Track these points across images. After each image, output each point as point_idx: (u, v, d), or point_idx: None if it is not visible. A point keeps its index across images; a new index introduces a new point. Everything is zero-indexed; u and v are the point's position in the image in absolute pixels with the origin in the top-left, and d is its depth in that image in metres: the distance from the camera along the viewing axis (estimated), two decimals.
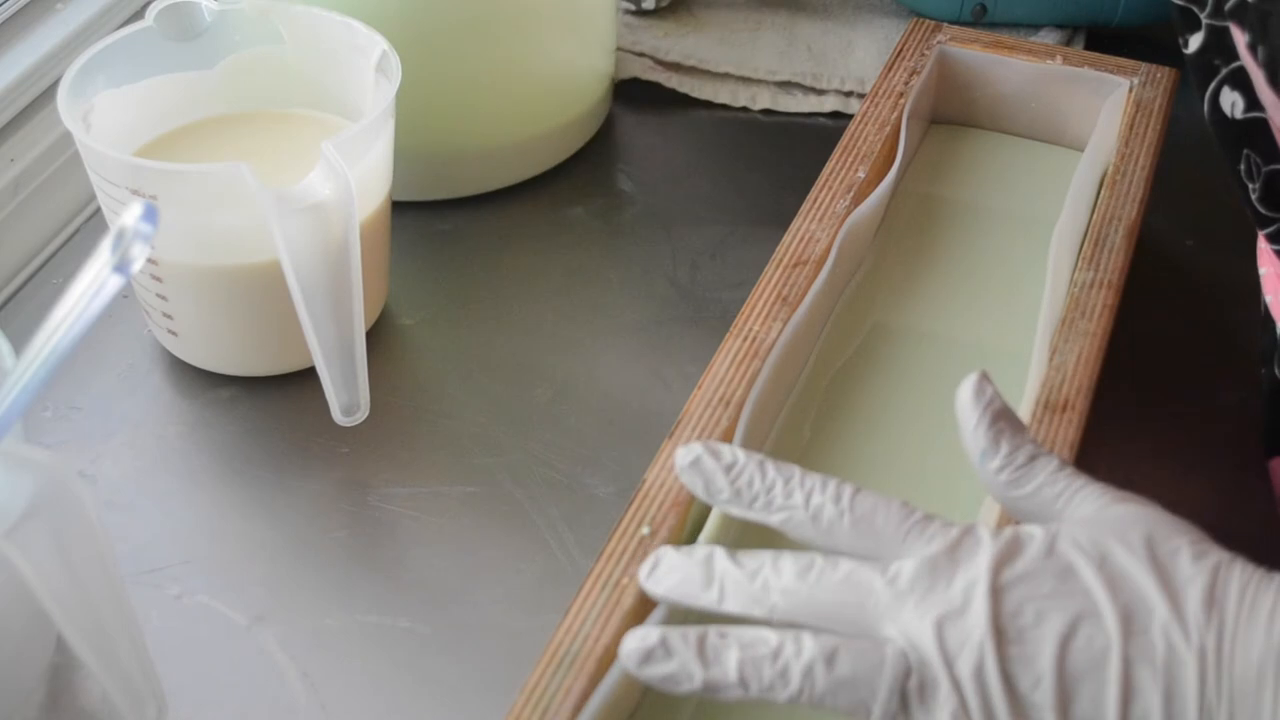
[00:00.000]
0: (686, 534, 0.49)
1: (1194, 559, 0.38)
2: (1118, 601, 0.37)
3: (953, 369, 0.59)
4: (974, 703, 0.36)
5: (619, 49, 0.80)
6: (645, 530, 0.47)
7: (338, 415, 0.57)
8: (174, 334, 0.62)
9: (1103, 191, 0.62)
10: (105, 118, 0.61)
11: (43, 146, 0.69)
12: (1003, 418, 0.42)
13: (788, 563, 0.40)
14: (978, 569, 0.38)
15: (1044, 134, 0.70)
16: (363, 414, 0.58)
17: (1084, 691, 0.36)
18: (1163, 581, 0.37)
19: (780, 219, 0.61)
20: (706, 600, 0.41)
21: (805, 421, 0.58)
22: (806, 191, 0.62)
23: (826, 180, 0.62)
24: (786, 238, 0.59)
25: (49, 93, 0.70)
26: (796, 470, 0.42)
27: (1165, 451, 0.61)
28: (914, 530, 0.40)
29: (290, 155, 0.63)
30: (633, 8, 0.84)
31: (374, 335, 0.64)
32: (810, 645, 0.38)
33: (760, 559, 0.41)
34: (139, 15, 0.64)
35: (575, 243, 0.71)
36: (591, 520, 0.57)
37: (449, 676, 0.52)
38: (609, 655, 0.44)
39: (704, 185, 0.75)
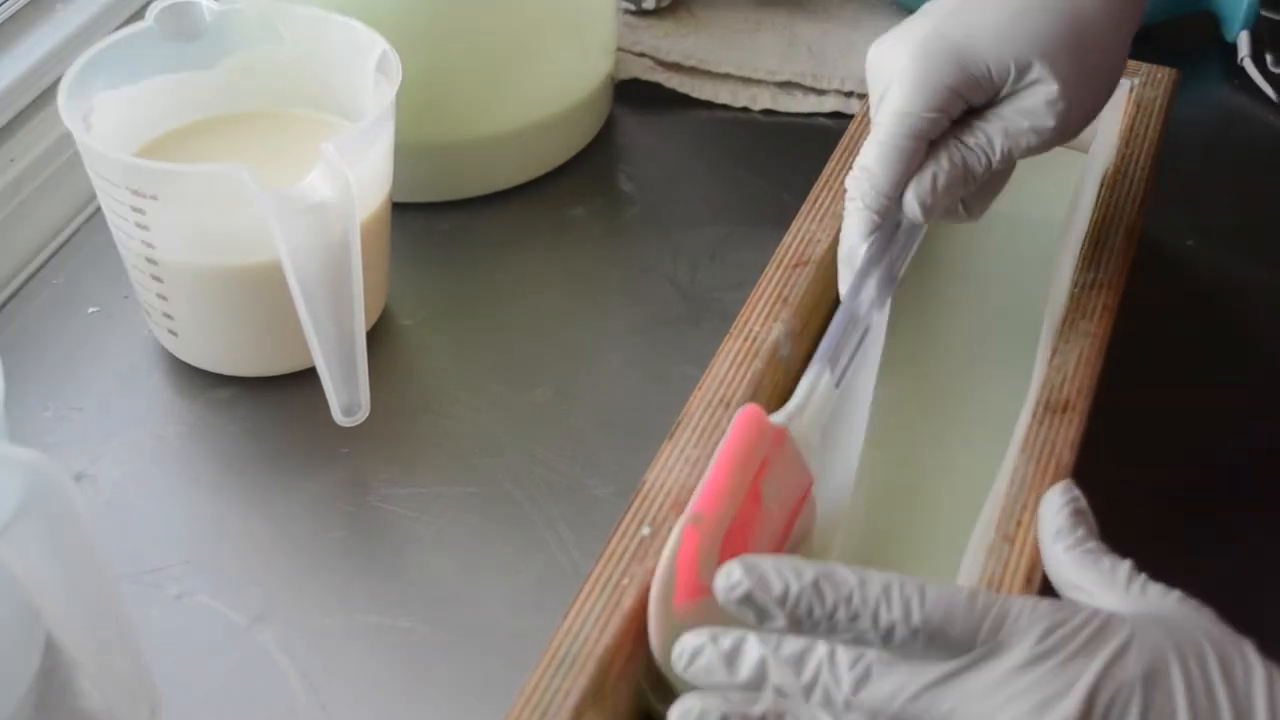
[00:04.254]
0: None
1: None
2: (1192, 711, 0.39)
3: (953, 368, 0.59)
4: None
5: (619, 49, 0.80)
6: (645, 531, 0.47)
7: (338, 415, 0.57)
8: (174, 334, 0.62)
9: (1103, 191, 0.62)
10: (105, 118, 0.61)
11: (43, 146, 0.69)
12: (1085, 515, 0.45)
13: (844, 672, 0.40)
14: (1042, 669, 0.39)
15: None
16: (363, 414, 0.58)
17: None
18: (1231, 696, 0.39)
19: (780, 219, 0.61)
20: (760, 707, 0.40)
21: None
22: (806, 191, 0.62)
23: (826, 180, 0.62)
24: (787, 238, 0.59)
25: (49, 93, 0.70)
26: (853, 581, 0.40)
27: (1165, 451, 0.61)
28: (984, 633, 0.40)
29: (290, 155, 0.63)
30: (633, 8, 0.84)
31: (374, 335, 0.64)
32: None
33: (813, 665, 0.40)
34: (139, 15, 0.64)
35: (575, 243, 0.71)
36: (591, 521, 0.57)
37: (449, 677, 0.52)
38: (609, 656, 0.44)
39: (704, 185, 0.75)
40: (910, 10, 0.84)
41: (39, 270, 0.69)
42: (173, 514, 0.58)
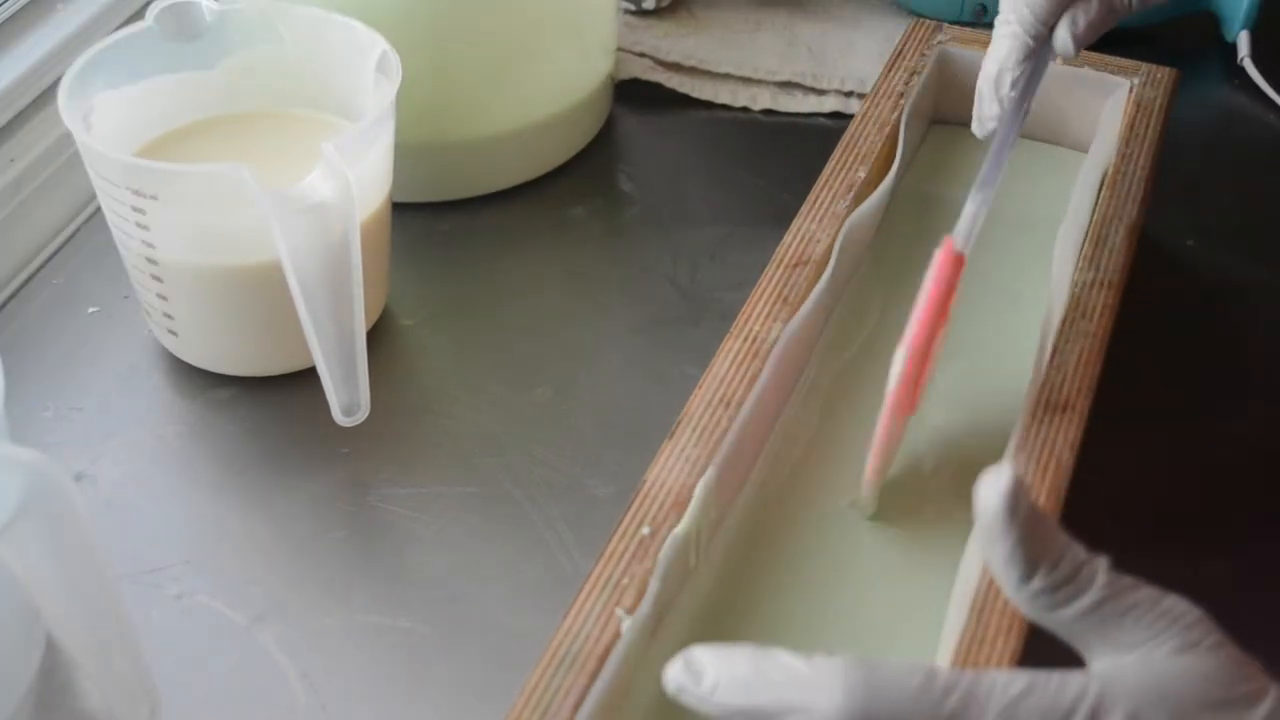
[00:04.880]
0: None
1: None
2: None
3: (953, 368, 0.59)
4: None
5: (619, 49, 0.80)
6: (645, 531, 0.47)
7: (338, 415, 0.57)
8: (174, 334, 0.62)
9: (1103, 191, 0.62)
10: (105, 118, 0.61)
11: (43, 146, 0.69)
12: (1039, 530, 0.36)
13: None
14: None
15: (1044, 134, 0.70)
16: (363, 414, 0.58)
17: None
18: None
19: (780, 219, 0.61)
20: None
21: (806, 422, 0.58)
22: (806, 191, 0.62)
23: (826, 180, 0.62)
24: (787, 238, 0.59)
25: (49, 93, 0.70)
26: (785, 669, 0.36)
27: (1165, 451, 0.61)
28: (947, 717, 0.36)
29: (290, 155, 0.63)
30: (633, 8, 0.84)
31: (374, 335, 0.64)
32: None
33: None
34: (139, 15, 0.64)
35: (575, 243, 0.71)
36: (591, 520, 0.57)
37: (449, 677, 0.52)
38: (609, 655, 0.44)
39: (704, 185, 0.75)
40: (910, 10, 0.84)
41: (39, 270, 0.69)
42: (173, 514, 0.58)
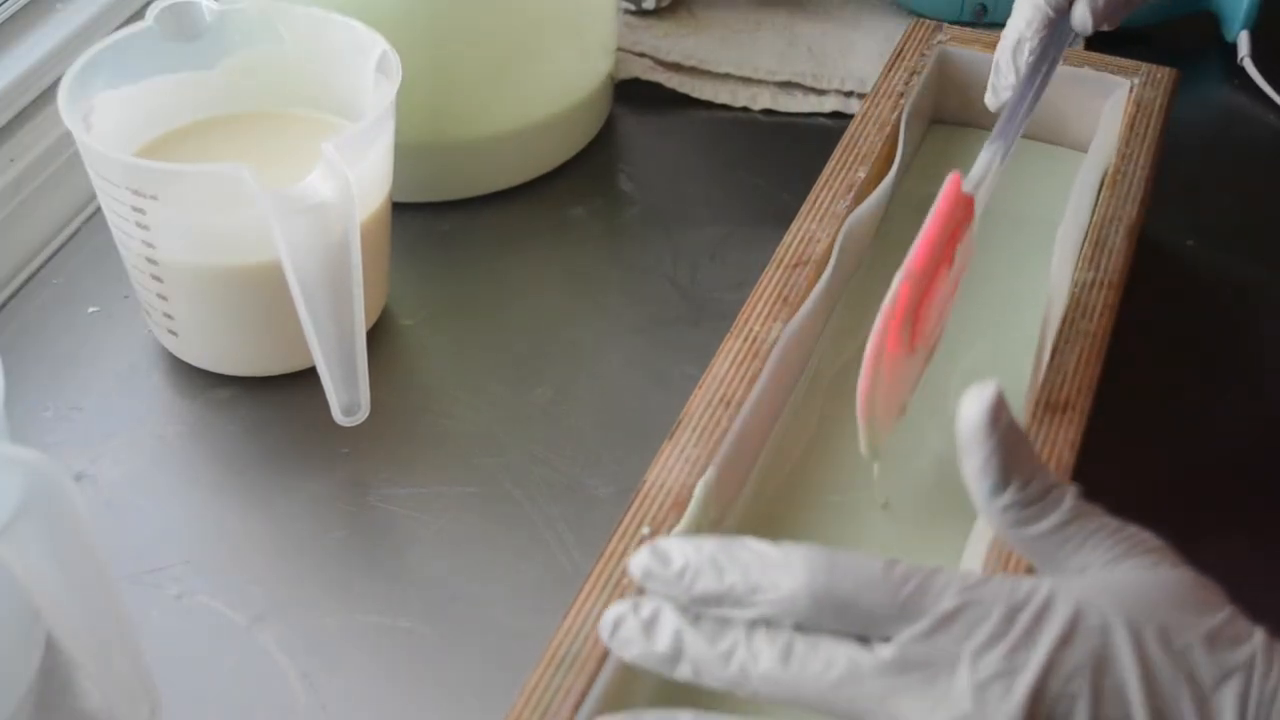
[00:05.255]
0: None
1: (1213, 661, 0.36)
2: (1150, 701, 0.35)
3: (953, 368, 0.59)
4: None
5: (619, 49, 0.80)
6: (645, 530, 0.47)
7: (338, 415, 0.57)
8: (174, 334, 0.62)
9: (1103, 191, 0.62)
10: (105, 118, 0.61)
11: (43, 146, 0.69)
12: (1015, 446, 0.38)
13: (763, 646, 0.37)
14: (988, 661, 0.36)
15: (1044, 134, 0.70)
16: (363, 414, 0.58)
17: None
18: (1194, 694, 0.35)
19: (780, 219, 0.61)
20: (680, 675, 0.39)
21: (806, 422, 0.58)
22: (806, 191, 0.62)
23: (826, 180, 0.62)
24: (787, 238, 0.59)
25: (49, 93, 0.70)
26: (755, 549, 0.38)
27: (1165, 451, 0.61)
28: (903, 605, 0.37)
29: (290, 155, 0.63)
30: (633, 8, 0.84)
31: (374, 335, 0.64)
32: None
33: (731, 637, 0.38)
34: (139, 15, 0.64)
35: (576, 243, 0.71)
36: (591, 520, 0.57)
37: (449, 677, 0.52)
38: (609, 655, 0.44)
39: (704, 185, 0.75)
40: (910, 10, 0.84)
41: (39, 270, 0.69)
42: (173, 514, 0.58)
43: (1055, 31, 0.57)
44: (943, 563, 0.51)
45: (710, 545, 0.39)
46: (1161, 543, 0.38)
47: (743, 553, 0.38)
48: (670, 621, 0.39)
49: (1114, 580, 0.37)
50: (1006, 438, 0.38)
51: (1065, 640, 0.36)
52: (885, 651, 0.37)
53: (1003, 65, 0.57)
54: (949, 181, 0.49)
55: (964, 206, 0.50)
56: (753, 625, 0.38)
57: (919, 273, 0.48)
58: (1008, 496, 0.38)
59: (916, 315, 0.49)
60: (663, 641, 0.39)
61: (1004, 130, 0.54)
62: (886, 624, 0.37)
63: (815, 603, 0.37)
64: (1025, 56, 0.56)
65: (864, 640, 0.37)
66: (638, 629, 0.39)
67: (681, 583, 0.38)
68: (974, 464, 0.38)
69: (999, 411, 0.38)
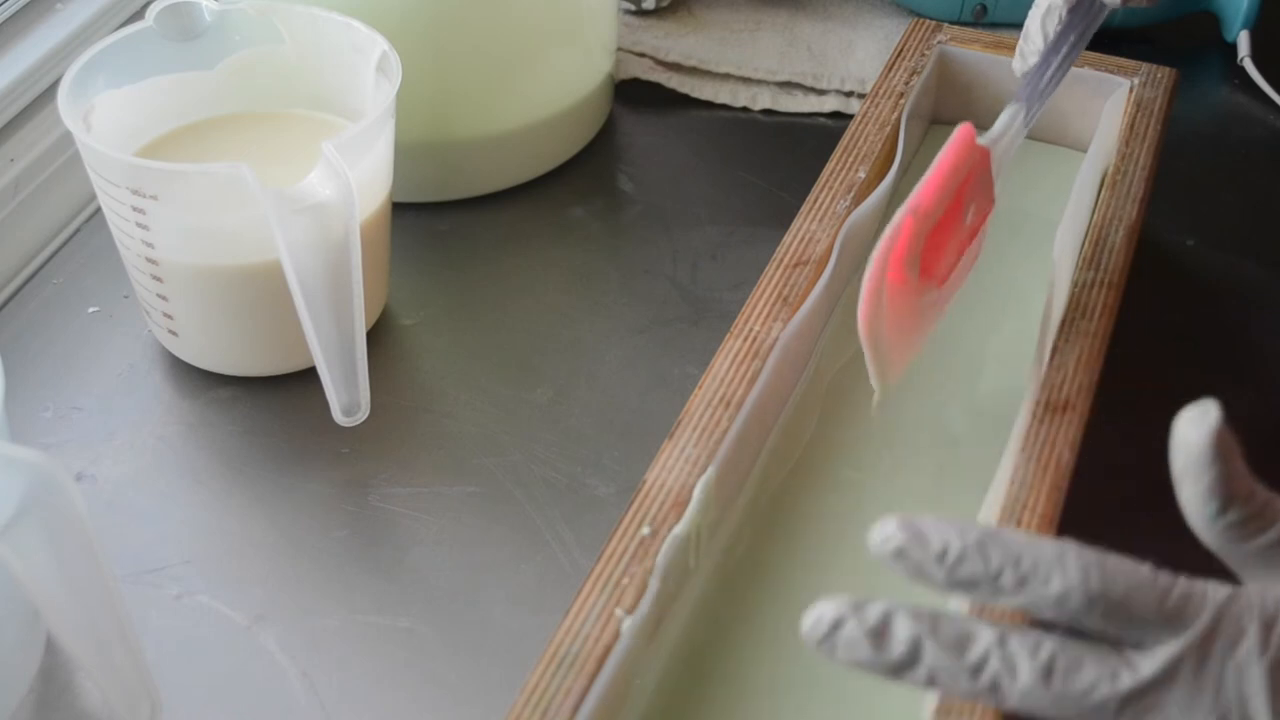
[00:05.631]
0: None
1: None
2: None
3: (954, 368, 0.59)
4: None
5: (619, 49, 0.80)
6: (646, 530, 0.47)
7: (338, 415, 0.57)
8: (174, 334, 0.62)
9: (1103, 191, 0.62)
10: (105, 118, 0.61)
11: (43, 146, 0.69)
12: (1234, 465, 0.37)
13: (1022, 660, 0.36)
14: (1253, 675, 0.36)
15: (1044, 134, 0.70)
16: (363, 414, 0.58)
17: None
18: None
19: (780, 219, 0.61)
20: (912, 682, 0.36)
21: (806, 422, 0.58)
22: (806, 191, 0.62)
23: (826, 180, 0.62)
24: (787, 238, 0.59)
25: (49, 93, 0.70)
26: (1022, 541, 0.37)
27: (1165, 451, 0.61)
28: (1169, 614, 0.36)
29: (290, 155, 0.63)
30: (633, 8, 0.84)
31: (374, 335, 0.64)
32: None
33: (981, 647, 0.36)
34: (139, 15, 0.64)
35: (576, 243, 0.71)
36: (592, 520, 0.57)
37: (449, 676, 0.52)
38: (609, 655, 0.44)
39: (704, 185, 0.75)
40: (910, 10, 0.84)
41: (39, 270, 0.69)
42: (173, 514, 0.58)
43: (1085, 4, 0.57)
44: None
45: (975, 531, 0.37)
46: None
47: (1012, 542, 0.37)
48: (906, 628, 0.36)
49: None
50: (1229, 460, 0.37)
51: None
52: (1150, 666, 0.36)
53: (1031, 31, 0.57)
54: (960, 128, 0.49)
55: (979, 158, 0.50)
56: (1003, 636, 0.36)
57: (924, 209, 0.48)
58: (1231, 517, 0.37)
59: (928, 254, 0.49)
60: (897, 650, 0.36)
61: (1026, 92, 0.54)
62: (1150, 631, 0.36)
63: (1089, 602, 0.36)
64: (1055, 24, 0.56)
65: (1117, 646, 0.36)
66: (863, 634, 0.36)
67: (941, 565, 0.36)
68: (1198, 489, 0.37)
69: (1223, 435, 0.37)
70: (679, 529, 0.48)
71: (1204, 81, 0.83)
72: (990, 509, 0.51)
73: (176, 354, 0.63)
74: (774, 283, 0.57)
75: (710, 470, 0.49)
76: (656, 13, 0.84)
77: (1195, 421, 0.37)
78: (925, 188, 0.48)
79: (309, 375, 0.58)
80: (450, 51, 0.69)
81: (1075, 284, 0.57)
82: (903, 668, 0.36)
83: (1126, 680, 0.36)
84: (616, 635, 0.44)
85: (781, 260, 0.58)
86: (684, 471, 0.49)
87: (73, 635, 0.43)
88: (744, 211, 0.73)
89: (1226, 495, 0.37)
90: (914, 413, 0.58)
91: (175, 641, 0.53)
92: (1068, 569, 0.36)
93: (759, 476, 0.55)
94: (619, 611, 0.45)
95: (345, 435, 0.59)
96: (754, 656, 0.50)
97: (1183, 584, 0.36)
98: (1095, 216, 0.61)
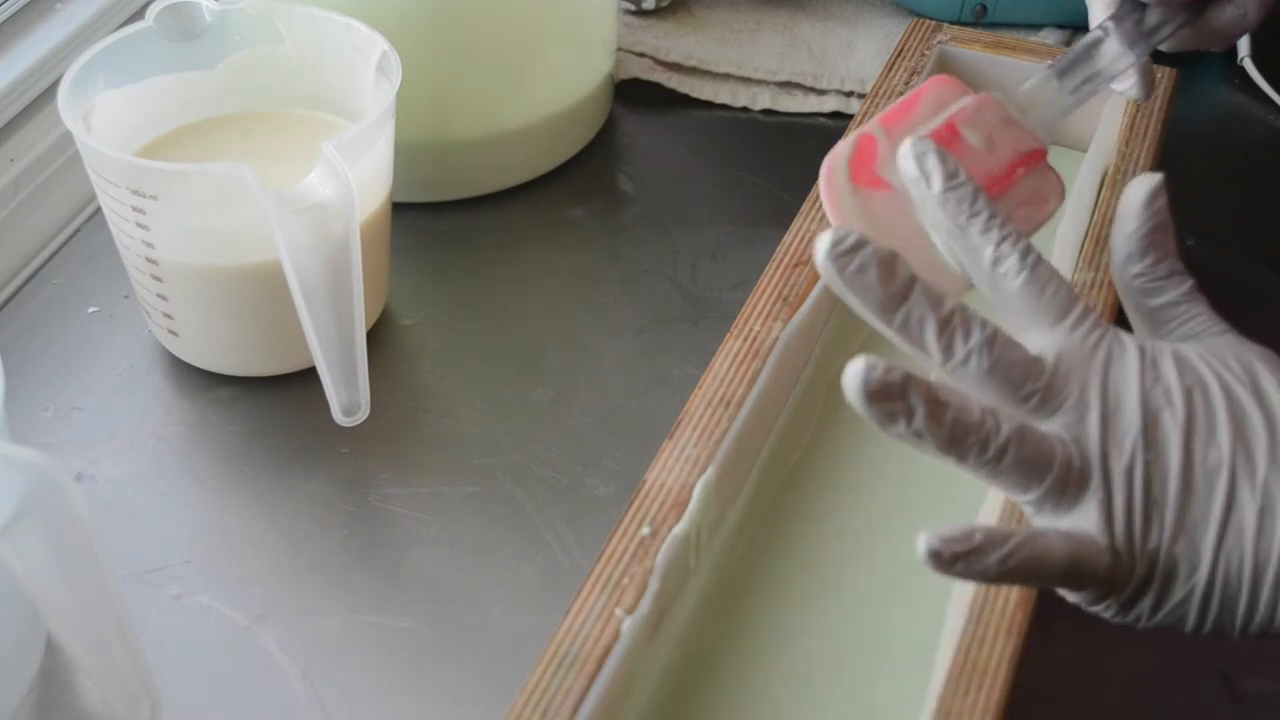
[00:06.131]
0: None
1: None
2: (1232, 421, 0.40)
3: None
4: (1119, 498, 0.39)
5: (619, 49, 0.80)
6: (646, 530, 0.47)
7: (338, 415, 0.57)
8: (174, 334, 0.62)
9: (1103, 191, 0.62)
10: (105, 118, 0.61)
11: (43, 146, 0.69)
12: (1160, 230, 0.44)
13: (976, 324, 0.40)
14: (1129, 375, 0.41)
15: None
16: (363, 414, 0.57)
17: (1197, 498, 0.39)
18: (1264, 411, 0.40)
19: (780, 219, 0.61)
20: (891, 324, 0.40)
21: (806, 422, 0.58)
22: (806, 191, 0.62)
23: None
24: (787, 238, 0.59)
25: (49, 93, 0.70)
26: (999, 215, 0.42)
27: None
28: (1070, 322, 0.41)
29: (290, 155, 0.63)
30: (633, 8, 0.84)
31: (374, 335, 0.64)
32: (1006, 425, 0.39)
33: (950, 304, 0.40)
34: (139, 15, 0.64)
35: (576, 243, 0.71)
36: (592, 520, 0.57)
37: (449, 676, 0.52)
38: (609, 655, 0.44)
39: (704, 185, 0.75)
40: (910, 10, 0.84)
41: (39, 270, 0.69)
42: (173, 514, 0.58)
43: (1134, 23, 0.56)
44: None
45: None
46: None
47: (991, 206, 0.42)
48: (905, 270, 0.40)
49: (1214, 344, 0.42)
50: (1156, 220, 0.44)
51: (1152, 357, 0.41)
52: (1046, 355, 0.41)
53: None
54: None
55: (973, 98, 0.50)
56: (965, 307, 0.40)
57: (890, 130, 0.49)
58: (1140, 267, 0.44)
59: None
60: (898, 284, 0.40)
61: (1060, 63, 0.53)
62: (1044, 323, 0.41)
63: (1017, 270, 0.41)
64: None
65: None
66: (876, 260, 0.40)
67: (949, 183, 0.42)
68: (1121, 233, 0.44)
69: (1158, 196, 0.44)
70: (679, 529, 0.48)
71: (1204, 81, 0.83)
72: (990, 509, 0.51)
73: (176, 354, 0.63)
74: (774, 283, 0.57)
75: (710, 470, 0.49)
76: (656, 13, 0.84)
77: (1142, 181, 0.44)
78: (887, 112, 0.50)
79: (309, 375, 0.58)
80: (450, 51, 0.69)
81: (1075, 284, 0.57)
82: (893, 303, 0.40)
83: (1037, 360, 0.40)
84: (616, 635, 0.44)
85: (781, 260, 0.58)
86: (684, 471, 0.49)
87: (73, 635, 0.43)
88: (744, 211, 0.73)
89: (1141, 248, 0.44)
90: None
91: (175, 641, 0.53)
92: (1016, 243, 0.42)
93: (759, 476, 0.55)
94: (619, 611, 0.45)
95: (345, 435, 0.59)
96: (754, 656, 0.50)
97: (1087, 306, 0.42)
98: (1095, 216, 0.61)
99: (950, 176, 0.43)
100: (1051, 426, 0.40)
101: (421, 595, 0.55)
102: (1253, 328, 0.64)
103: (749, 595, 0.51)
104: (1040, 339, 0.41)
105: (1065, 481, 0.39)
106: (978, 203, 0.42)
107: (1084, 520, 0.39)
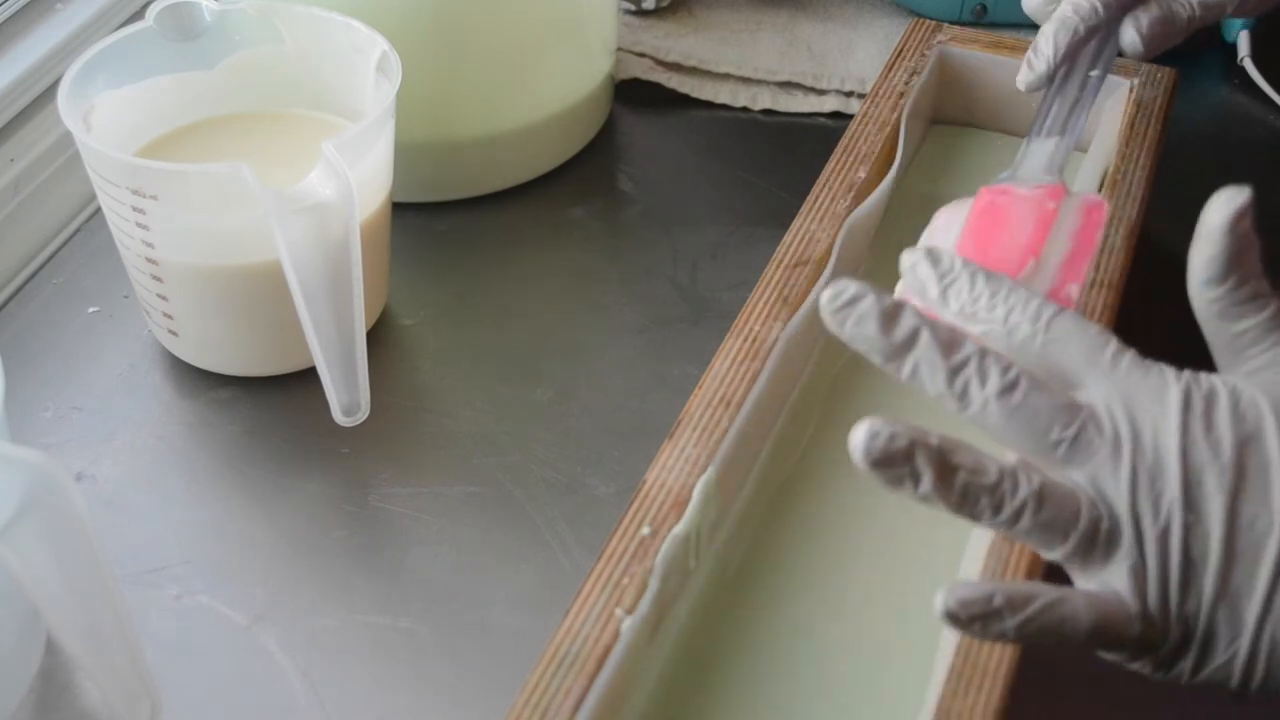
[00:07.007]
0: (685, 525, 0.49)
1: None
2: None
3: None
4: (1152, 564, 0.37)
5: (619, 49, 0.80)
6: (645, 530, 0.47)
7: (338, 415, 0.57)
8: (174, 334, 0.62)
9: (1103, 191, 0.62)
10: (105, 118, 0.61)
11: (43, 146, 0.69)
12: (1245, 252, 0.41)
13: (994, 371, 0.39)
14: (1169, 424, 0.39)
15: None
16: (363, 414, 0.58)
17: (1242, 565, 0.37)
18: None
19: (780, 219, 0.61)
20: (901, 372, 0.39)
21: (806, 422, 0.58)
22: (806, 191, 0.62)
23: (826, 180, 0.62)
24: (787, 238, 0.59)
25: (49, 93, 0.70)
26: (1006, 283, 0.40)
27: None
28: (1106, 364, 0.40)
29: (290, 155, 0.63)
30: (633, 8, 0.84)
31: (374, 335, 0.64)
32: (1024, 487, 0.38)
33: (966, 349, 0.39)
34: (139, 15, 0.64)
35: (576, 243, 0.71)
36: (592, 520, 0.57)
37: (449, 677, 0.52)
38: (609, 655, 0.44)
39: (704, 185, 0.75)
40: (910, 10, 0.84)
41: (39, 270, 0.69)
42: (173, 514, 0.58)
43: (1102, 41, 0.58)
44: (944, 559, 0.51)
45: (971, 264, 0.40)
46: None
47: (995, 278, 0.40)
48: (911, 318, 0.39)
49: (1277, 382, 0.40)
50: (1241, 242, 0.40)
51: (1205, 404, 0.39)
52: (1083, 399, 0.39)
53: (1042, 43, 0.58)
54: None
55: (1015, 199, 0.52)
56: (984, 351, 0.39)
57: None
58: (1220, 291, 0.41)
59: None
60: (900, 334, 0.39)
61: (1040, 124, 0.56)
62: (1081, 377, 0.40)
63: (1033, 333, 0.40)
64: (1066, 39, 0.57)
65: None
66: (876, 312, 0.39)
67: (943, 281, 0.40)
68: (1202, 255, 0.41)
69: (1243, 217, 0.40)
70: (679, 529, 0.48)
71: (1204, 81, 0.83)
72: None
73: (176, 354, 0.63)
74: (774, 283, 0.57)
75: (710, 470, 0.49)
76: (656, 13, 0.84)
77: (1227, 199, 0.41)
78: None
79: (309, 375, 0.58)
80: (450, 51, 0.69)
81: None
82: (897, 353, 0.39)
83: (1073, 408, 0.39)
84: (616, 635, 0.44)
85: (781, 260, 0.58)
86: (684, 471, 0.49)
87: (73, 635, 0.43)
88: (744, 211, 0.73)
89: (1224, 270, 0.40)
90: (914, 413, 0.58)
91: (175, 641, 0.53)
92: (1028, 305, 0.40)
93: (759, 476, 0.55)
94: (619, 611, 0.45)
95: (345, 435, 0.59)
96: (754, 656, 0.50)
97: (1120, 347, 0.41)
98: None
99: (944, 275, 0.41)
100: (1080, 479, 0.38)
101: (421, 595, 0.55)
102: None
103: (749, 595, 0.51)
104: (1089, 383, 0.40)
105: (1092, 542, 0.38)
106: (975, 287, 0.40)
107: (1115, 579, 0.38)
